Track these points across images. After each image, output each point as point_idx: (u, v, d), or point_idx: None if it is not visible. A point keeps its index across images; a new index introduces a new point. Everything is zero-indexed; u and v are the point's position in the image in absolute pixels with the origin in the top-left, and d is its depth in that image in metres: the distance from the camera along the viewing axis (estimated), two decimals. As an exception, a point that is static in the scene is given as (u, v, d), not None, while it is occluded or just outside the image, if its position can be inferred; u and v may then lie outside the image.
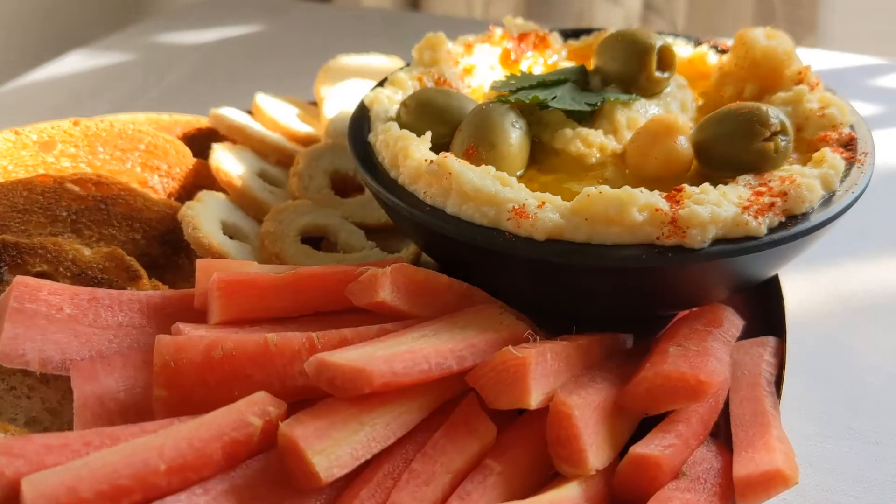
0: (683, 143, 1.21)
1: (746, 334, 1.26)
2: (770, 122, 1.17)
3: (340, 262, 1.34)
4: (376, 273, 1.09)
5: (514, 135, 1.25)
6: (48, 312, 1.07)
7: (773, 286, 1.34)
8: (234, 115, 1.65)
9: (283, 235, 1.34)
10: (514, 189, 1.14)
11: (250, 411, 0.94)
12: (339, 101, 1.73)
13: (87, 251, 1.23)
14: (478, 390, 1.01)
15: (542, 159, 1.29)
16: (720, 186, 1.13)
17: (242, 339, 1.02)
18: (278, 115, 1.70)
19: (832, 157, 1.19)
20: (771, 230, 1.08)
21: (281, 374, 1.02)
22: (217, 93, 2.27)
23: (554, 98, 1.32)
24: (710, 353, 1.06)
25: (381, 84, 1.48)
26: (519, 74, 1.44)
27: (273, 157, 1.60)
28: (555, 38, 1.62)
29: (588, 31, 1.66)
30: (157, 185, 1.47)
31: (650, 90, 1.37)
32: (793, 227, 1.09)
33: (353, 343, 1.05)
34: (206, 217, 1.31)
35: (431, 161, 1.18)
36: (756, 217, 1.07)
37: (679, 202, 1.08)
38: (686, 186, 1.11)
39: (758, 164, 1.19)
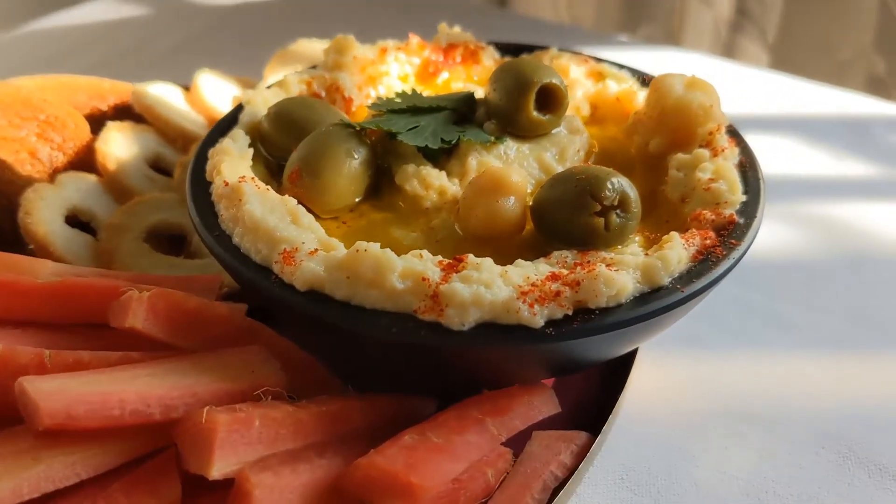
0: (510, 204, 1.07)
1: (571, 421, 1.13)
2: (604, 194, 1.02)
3: (176, 267, 1.29)
4: (132, 296, 1.03)
5: (348, 164, 1.14)
6: None
7: (621, 369, 1.19)
8: (158, 91, 1.62)
9: (126, 230, 1.30)
10: (299, 228, 1.05)
11: (-69, 425, 0.91)
12: (275, 89, 1.66)
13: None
14: (178, 446, 0.94)
15: (386, 193, 1.19)
16: (520, 263, 1.00)
17: (-31, 346, 0.98)
18: (209, 97, 1.65)
19: (673, 246, 1.02)
20: (551, 323, 0.94)
21: (3, 386, 0.98)
22: (218, 57, 2.25)
23: (413, 129, 1.20)
24: (450, 449, 0.94)
25: (273, 84, 1.40)
26: (407, 93, 1.32)
27: (179, 143, 1.55)
28: (488, 54, 1.49)
29: (530, 49, 1.51)
30: (45, 158, 1.46)
31: (530, 131, 1.22)
32: (580, 324, 0.94)
33: (90, 367, 1.00)
34: (51, 202, 1.29)
35: (227, 183, 1.10)
36: (532, 306, 0.93)
37: (450, 275, 0.96)
38: (469, 257, 0.98)
39: (585, 239, 1.04)
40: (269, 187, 1.11)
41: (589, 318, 0.95)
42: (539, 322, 0.93)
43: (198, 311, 1.07)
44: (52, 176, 1.46)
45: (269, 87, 1.37)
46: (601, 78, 1.44)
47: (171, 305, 1.05)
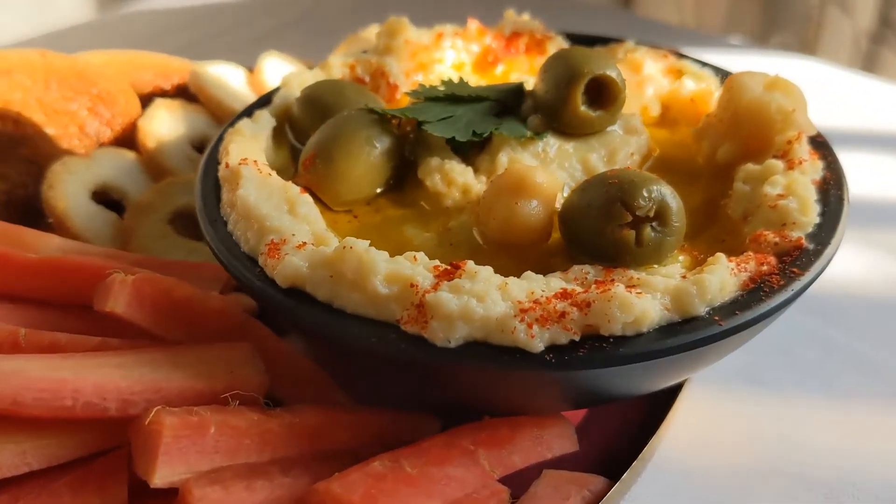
0: (532, 207, 0.93)
1: (596, 462, 0.99)
2: (637, 202, 0.87)
3: (194, 252, 1.22)
4: (115, 279, 0.96)
5: (366, 152, 1.04)
6: None
7: (662, 405, 1.03)
8: (219, 72, 1.57)
9: (152, 210, 1.24)
10: (294, 219, 0.95)
11: None
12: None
13: (-53, 186, 1.22)
14: (132, 446, 0.86)
15: (409, 188, 1.08)
16: (528, 276, 0.87)
17: (-56, 319, 0.94)
18: (270, 80, 1.59)
19: (716, 270, 0.86)
20: (553, 348, 0.80)
21: (-27, 364, 0.93)
22: (307, 41, 2.20)
23: (445, 119, 1.08)
24: (424, 482, 0.82)
25: (316, 67, 1.32)
26: (453, 81, 1.20)
27: (231, 125, 1.49)
28: (556, 44, 1.35)
29: (605, 41, 1.37)
30: (93, 133, 1.43)
31: (577, 128, 1.08)
32: (588, 353, 0.80)
33: (66, 350, 0.94)
34: (79, 176, 1.25)
35: (228, 165, 1.01)
36: (531, 326, 0.80)
37: (442, 283, 0.83)
38: (467, 264, 0.86)
39: (613, 254, 0.89)
40: (272, 172, 1.02)
41: (599, 347, 0.80)
42: (538, 346, 0.80)
43: (187, 302, 0.99)
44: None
45: (311, 70, 1.29)
46: (680, 76, 1.28)
47: (157, 292, 0.97)
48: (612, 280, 0.86)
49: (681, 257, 0.94)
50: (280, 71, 1.64)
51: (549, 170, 1.01)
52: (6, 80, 1.45)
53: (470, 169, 1.04)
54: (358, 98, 1.16)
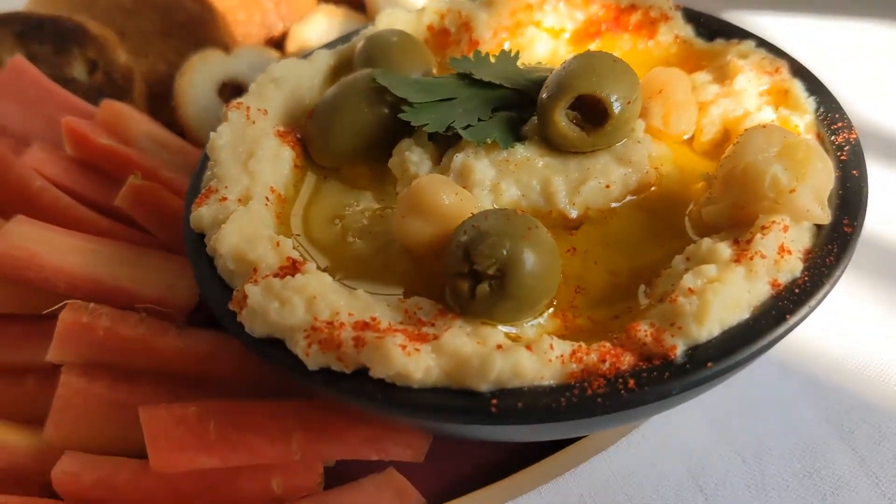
0: (421, 226, 0.91)
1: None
2: (475, 255, 0.82)
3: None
4: (129, 182, 1.14)
5: (348, 119, 1.07)
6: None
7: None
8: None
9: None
10: (244, 171, 1.03)
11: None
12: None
13: (123, 57, 1.49)
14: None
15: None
16: (357, 294, 0.88)
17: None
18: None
19: (515, 351, 0.79)
20: (326, 371, 0.83)
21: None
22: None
23: (443, 101, 1.06)
24: (215, 442, 0.91)
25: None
26: (506, 54, 1.14)
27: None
28: (671, 27, 1.20)
29: (728, 33, 1.17)
30: (269, 24, 1.60)
31: (560, 144, 0.99)
32: (352, 385, 0.82)
33: (85, 224, 1.16)
34: (213, 68, 1.43)
35: (227, 105, 1.11)
36: (310, 346, 0.83)
37: (272, 277, 0.88)
38: (306, 265, 0.89)
39: (453, 298, 0.86)
40: (257, 121, 1.09)
41: (363, 384, 0.81)
42: (311, 365, 0.83)
43: (178, 212, 1.15)
44: (267, 41, 1.61)
45: (407, 12, 1.30)
46: (782, 100, 1.06)
47: (156, 200, 1.15)
48: (433, 324, 0.84)
49: (543, 317, 0.86)
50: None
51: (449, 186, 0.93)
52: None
53: (428, 162, 1.02)
54: (403, 57, 1.16)
